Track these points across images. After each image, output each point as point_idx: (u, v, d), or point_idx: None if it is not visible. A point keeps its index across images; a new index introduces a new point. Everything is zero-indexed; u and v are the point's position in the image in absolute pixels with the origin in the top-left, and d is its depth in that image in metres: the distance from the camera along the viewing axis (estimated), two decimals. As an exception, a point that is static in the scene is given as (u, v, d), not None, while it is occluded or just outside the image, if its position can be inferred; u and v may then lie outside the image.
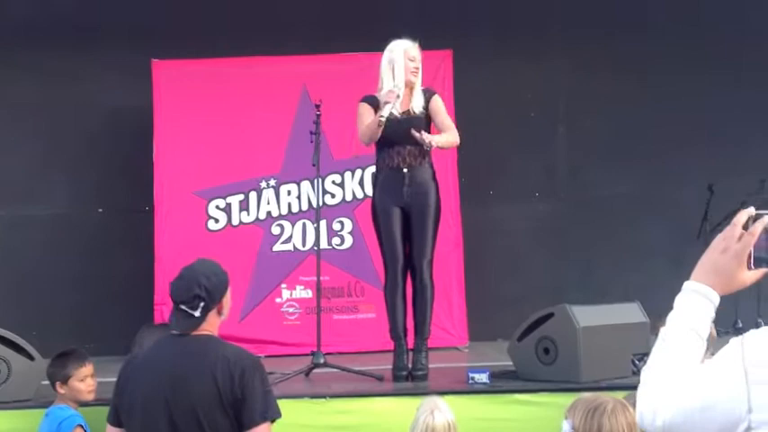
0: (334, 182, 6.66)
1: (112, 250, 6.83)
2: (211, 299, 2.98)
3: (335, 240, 6.54)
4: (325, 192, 6.48)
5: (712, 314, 1.59)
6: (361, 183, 6.63)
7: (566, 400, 3.91)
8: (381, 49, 6.51)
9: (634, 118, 7.05)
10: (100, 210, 7.07)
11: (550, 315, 4.44)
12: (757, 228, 1.57)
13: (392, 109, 4.62)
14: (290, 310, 6.46)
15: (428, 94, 4.83)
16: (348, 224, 6.59)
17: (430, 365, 4.77)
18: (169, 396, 2.92)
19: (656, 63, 7.03)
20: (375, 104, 4.77)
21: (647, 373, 1.57)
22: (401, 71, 4.73)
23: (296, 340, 6.06)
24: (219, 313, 3.02)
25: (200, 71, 6.75)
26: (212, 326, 3.03)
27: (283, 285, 6.48)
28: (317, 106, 5.05)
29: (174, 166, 6.62)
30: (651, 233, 6.91)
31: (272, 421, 2.96)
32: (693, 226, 6.58)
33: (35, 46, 6.90)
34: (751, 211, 1.59)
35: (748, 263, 1.57)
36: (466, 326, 6.52)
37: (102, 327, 6.01)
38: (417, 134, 4.52)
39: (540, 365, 4.41)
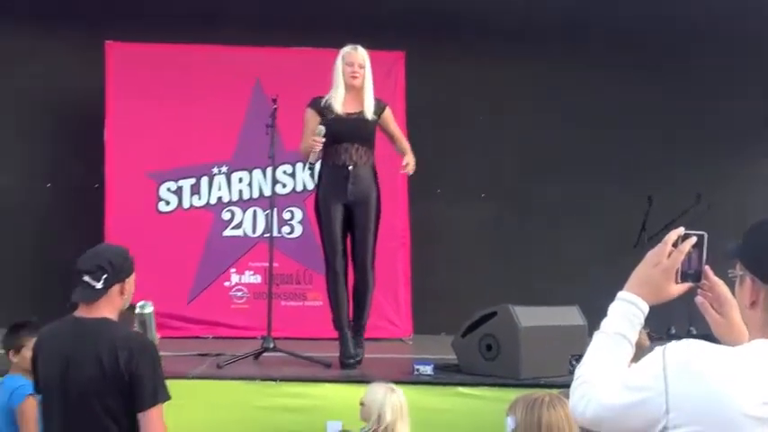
0: (285, 172, 6.78)
1: (61, 226, 6.83)
2: (115, 273, 3.00)
3: (285, 229, 6.67)
4: (276, 181, 6.58)
5: (641, 321, 1.78)
6: (312, 174, 6.75)
7: (506, 394, 4.14)
8: (333, 45, 6.69)
9: (580, 124, 7.29)
10: (48, 185, 7.06)
11: (494, 314, 4.63)
12: (685, 246, 1.77)
13: (315, 158, 4.85)
14: (239, 294, 6.58)
15: (380, 105, 5.02)
16: (298, 214, 6.73)
17: (374, 355, 4.96)
18: (63, 378, 2.96)
19: (601, 68, 7.21)
20: (319, 108, 4.94)
21: (580, 369, 1.76)
22: (338, 77, 4.93)
23: (243, 324, 6.19)
24: (122, 293, 3.04)
25: (154, 55, 6.79)
26: (112, 305, 3.04)
27: (233, 270, 6.59)
28: (274, 100, 5.15)
29: (126, 147, 6.66)
30: (591, 239, 7.15)
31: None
32: (632, 235, 6.84)
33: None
34: (680, 230, 1.79)
35: (676, 277, 1.77)
36: (410, 319, 6.72)
37: (49, 300, 5.98)
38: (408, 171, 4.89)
39: (482, 361, 4.59)
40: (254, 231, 6.67)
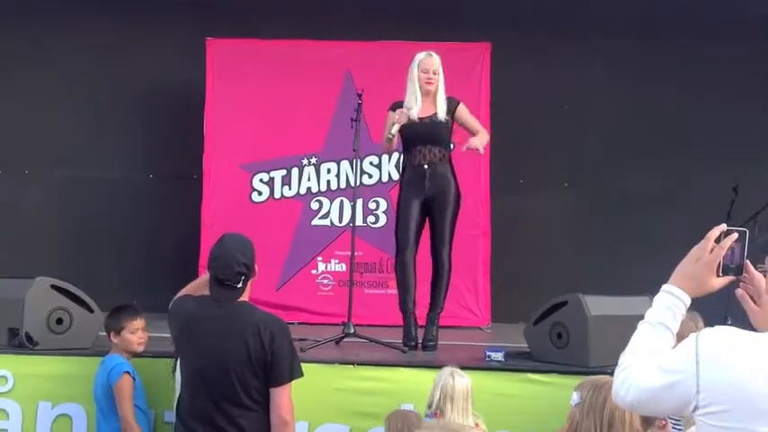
0: (371, 163, 7.00)
1: (161, 214, 7.27)
2: (249, 271, 3.41)
3: (370, 219, 6.90)
4: (363, 172, 6.84)
5: (683, 312, 1.93)
6: (397, 165, 6.97)
7: (575, 381, 4.17)
8: (422, 38, 6.87)
9: (663, 113, 7.27)
10: (150, 176, 7.51)
11: (565, 303, 4.73)
12: (726, 242, 1.90)
13: (399, 125, 5.16)
14: (325, 281, 6.86)
15: (453, 104, 5.31)
16: (383, 204, 6.95)
17: (451, 342, 5.16)
18: (207, 357, 3.34)
19: (687, 62, 7.20)
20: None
21: (624, 356, 1.93)
22: (414, 84, 5.26)
23: (329, 310, 6.43)
24: (253, 276, 3.45)
25: (251, 51, 7.11)
26: (247, 291, 3.45)
27: (319, 258, 6.87)
28: (359, 95, 5.40)
29: (222, 139, 7.00)
30: (674, 228, 7.08)
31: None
32: (717, 224, 6.74)
33: (92, 16, 7.29)
34: (723, 227, 1.92)
35: (717, 271, 1.90)
36: (489, 307, 6.85)
37: (151, 285, 6.39)
38: (468, 147, 5.09)
39: (552, 349, 4.70)
40: (340, 221, 6.92)
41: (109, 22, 7.30)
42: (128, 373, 4.34)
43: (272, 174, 7.02)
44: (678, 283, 1.93)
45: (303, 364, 3.44)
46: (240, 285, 3.40)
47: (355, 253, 5.57)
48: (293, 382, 3.40)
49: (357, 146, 5.31)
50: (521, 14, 7.23)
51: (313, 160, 7.02)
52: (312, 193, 7.00)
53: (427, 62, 5.29)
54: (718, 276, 1.91)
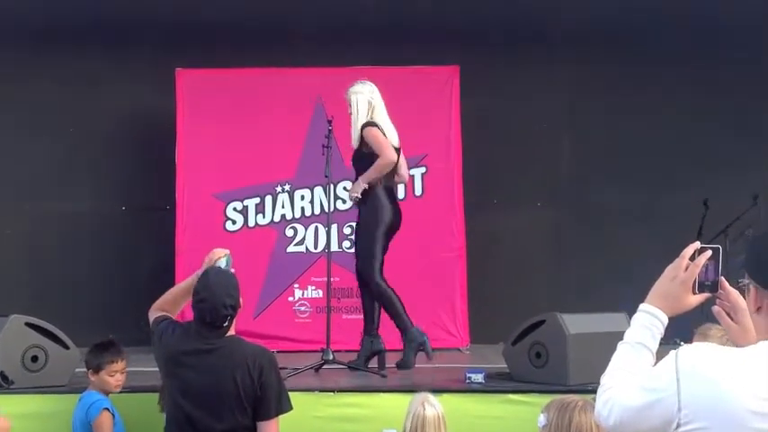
0: (345, 188, 6.98)
1: (135, 246, 7.22)
2: (236, 310, 3.38)
3: (345, 243, 6.89)
4: (336, 197, 6.84)
5: (661, 331, 1.94)
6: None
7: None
8: (392, 63, 6.92)
9: (636, 130, 7.34)
10: (123, 207, 7.46)
11: (542, 322, 4.76)
12: (701, 259, 1.92)
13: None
14: (302, 308, 6.84)
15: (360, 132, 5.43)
16: (358, 229, 6.94)
17: (430, 365, 5.18)
18: (194, 394, 3.31)
19: (660, 77, 7.27)
20: None
21: (605, 378, 1.93)
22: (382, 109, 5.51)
23: (307, 337, 6.41)
24: (239, 311, 3.43)
25: (221, 80, 7.11)
26: (233, 325, 3.43)
27: (296, 285, 6.85)
28: (329, 121, 5.44)
29: (194, 168, 6.99)
30: (648, 243, 7.15)
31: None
32: (690, 239, 6.81)
33: (61, 49, 7.26)
34: (696, 245, 1.94)
35: (693, 288, 1.92)
36: (467, 328, 6.86)
37: (125, 318, 6.34)
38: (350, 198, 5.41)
39: (532, 368, 4.73)
40: (315, 247, 6.92)
41: (79, 53, 7.27)
42: (107, 409, 4.29)
43: (246, 202, 7.01)
44: (654, 302, 1.94)
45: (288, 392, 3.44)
46: (227, 324, 3.38)
47: (332, 279, 5.58)
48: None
49: (328, 172, 5.34)
50: (489, 35, 7.30)
51: (286, 187, 7.02)
52: (286, 220, 6.99)
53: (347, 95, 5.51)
54: (694, 294, 1.92)
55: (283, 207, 7.00)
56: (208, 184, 6.99)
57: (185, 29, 7.22)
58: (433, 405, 3.69)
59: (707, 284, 1.92)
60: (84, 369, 4.42)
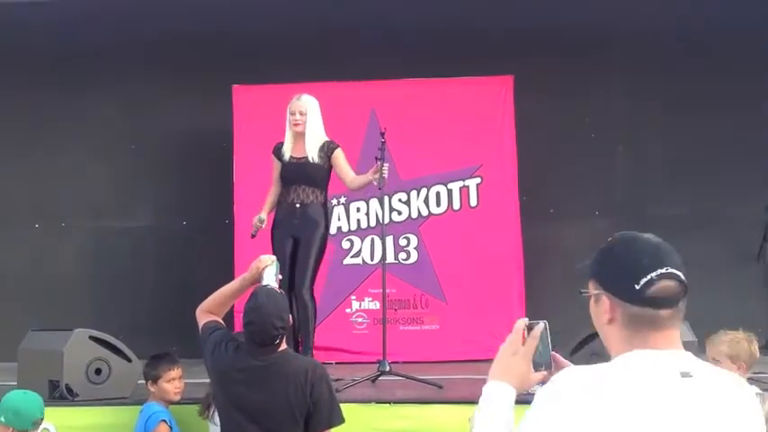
0: (400, 200, 7.04)
1: (195, 260, 7.35)
2: (285, 330, 3.43)
3: (402, 255, 6.92)
4: (392, 209, 6.87)
5: (512, 404, 1.74)
6: (426, 201, 7.01)
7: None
8: (445, 74, 6.93)
9: (692, 137, 7.23)
10: (184, 222, 7.61)
11: (600, 332, 4.69)
12: (536, 332, 1.77)
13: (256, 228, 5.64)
14: (359, 320, 6.87)
15: (331, 147, 5.56)
16: (414, 240, 6.97)
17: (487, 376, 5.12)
18: (248, 410, 3.36)
19: (713, 84, 7.18)
20: (276, 153, 5.68)
21: None
22: (287, 125, 5.61)
23: (364, 349, 6.42)
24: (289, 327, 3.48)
25: (277, 95, 7.19)
26: (284, 341, 3.48)
27: (353, 297, 6.89)
28: (382, 134, 5.46)
29: (251, 183, 7.07)
30: (707, 253, 7.04)
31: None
32: (751, 247, 6.70)
33: (121, 68, 7.46)
34: (525, 321, 1.81)
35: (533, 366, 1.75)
36: (525, 339, 6.79)
37: (185, 330, 6.43)
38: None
39: (590, 378, 4.66)
40: (371, 259, 6.94)
41: (137, 71, 7.45)
42: (164, 421, 4.38)
43: (302, 215, 7.06)
44: (500, 378, 1.77)
45: (339, 404, 3.47)
46: (277, 342, 3.42)
47: (388, 290, 5.60)
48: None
49: (382, 184, 5.36)
50: (544, 43, 7.27)
51: (342, 200, 7.06)
52: (342, 233, 7.03)
53: (293, 104, 5.60)
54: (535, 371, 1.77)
55: (339, 219, 7.05)
56: (264, 199, 7.06)
57: (241, 45, 7.35)
58: None
59: (541, 363, 1.79)
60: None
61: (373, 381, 5.13)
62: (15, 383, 4.72)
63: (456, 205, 7.00)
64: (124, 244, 7.51)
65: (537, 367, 1.79)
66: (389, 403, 4.63)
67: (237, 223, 7.05)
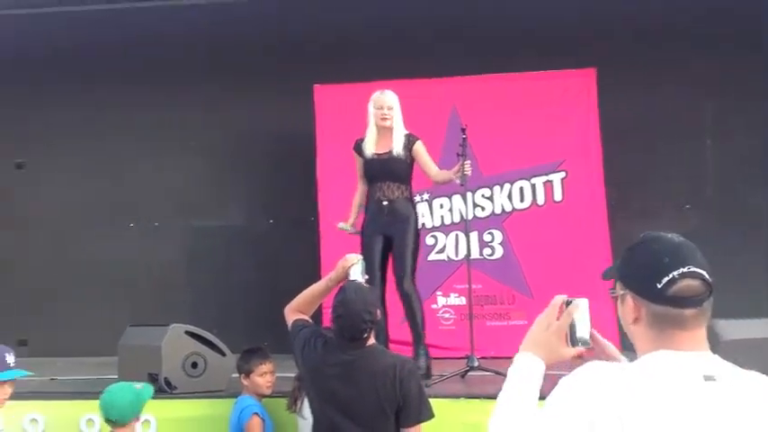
0: (483, 195, 7.03)
1: (283, 257, 7.48)
2: (374, 324, 3.47)
3: (486, 251, 6.91)
4: (475, 205, 6.87)
5: (540, 379, 1.76)
6: (509, 196, 6.99)
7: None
8: (527, 68, 6.88)
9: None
10: (270, 221, 7.76)
11: (696, 327, 4.59)
12: (571, 310, 1.79)
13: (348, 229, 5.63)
14: (446, 315, 6.89)
15: (411, 140, 5.48)
16: (498, 235, 6.95)
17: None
18: (338, 405, 3.41)
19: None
20: (357, 150, 5.59)
21: (490, 426, 1.76)
22: (370, 121, 5.54)
23: (451, 344, 6.43)
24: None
25: (358, 94, 7.25)
26: (372, 335, 3.51)
27: (439, 293, 6.90)
28: (463, 130, 5.46)
29: (335, 181, 7.15)
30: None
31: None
32: None
33: (209, 72, 7.63)
34: (564, 297, 1.81)
35: (567, 341, 1.79)
36: (618, 336, 6.70)
37: (276, 325, 6.56)
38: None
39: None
40: (456, 255, 6.95)
41: (227, 76, 7.61)
42: (257, 414, 4.47)
43: (387, 212, 7.11)
44: (531, 350, 1.78)
45: (429, 399, 3.50)
46: (366, 336, 3.47)
47: (474, 286, 5.61)
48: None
49: (464, 181, 5.36)
50: (627, 36, 7.16)
51: (425, 196, 7.09)
52: (427, 229, 7.05)
53: (380, 99, 5.52)
54: (568, 346, 1.78)
55: (423, 216, 7.07)
56: (347, 196, 7.12)
57: (321, 46, 7.44)
58: None
59: (579, 339, 1.79)
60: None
61: (462, 376, 5.15)
62: (117, 377, 4.89)
63: (540, 200, 6.96)
64: (216, 243, 7.71)
65: (574, 343, 1.79)
66: (480, 398, 4.64)
67: (322, 220, 7.14)
